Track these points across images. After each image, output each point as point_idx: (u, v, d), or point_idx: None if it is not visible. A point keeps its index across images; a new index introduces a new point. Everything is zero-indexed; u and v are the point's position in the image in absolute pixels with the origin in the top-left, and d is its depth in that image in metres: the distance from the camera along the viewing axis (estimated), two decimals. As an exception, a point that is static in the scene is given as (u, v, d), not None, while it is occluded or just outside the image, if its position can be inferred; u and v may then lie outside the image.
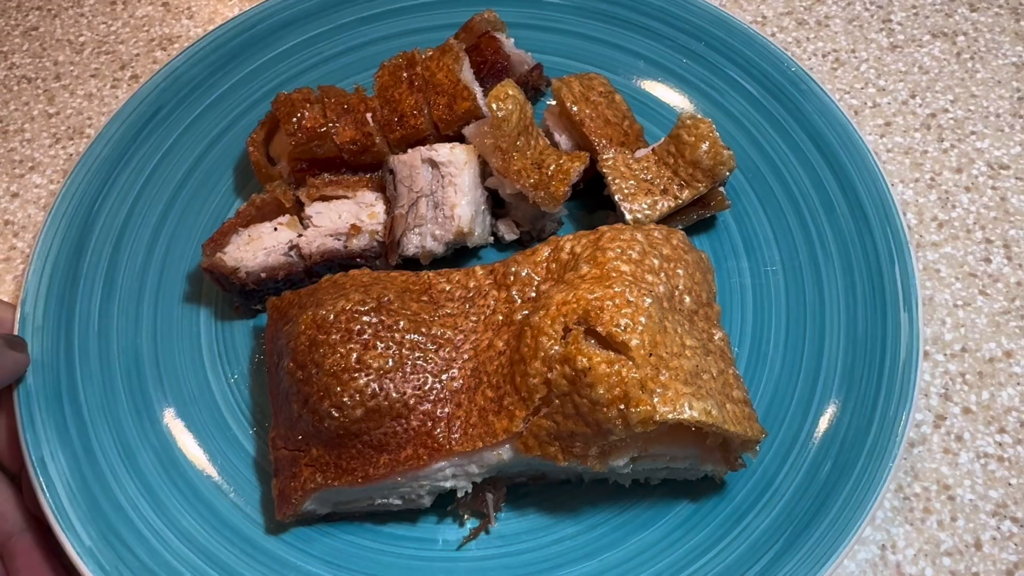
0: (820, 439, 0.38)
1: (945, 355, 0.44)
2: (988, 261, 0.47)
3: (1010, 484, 0.40)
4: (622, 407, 0.31)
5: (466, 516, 0.38)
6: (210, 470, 0.39)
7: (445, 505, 0.37)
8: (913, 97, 0.54)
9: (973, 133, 0.52)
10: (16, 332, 0.40)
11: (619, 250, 0.36)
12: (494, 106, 0.41)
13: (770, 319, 0.43)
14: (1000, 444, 0.41)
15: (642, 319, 0.32)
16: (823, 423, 0.39)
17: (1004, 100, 0.53)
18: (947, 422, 0.42)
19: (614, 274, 0.34)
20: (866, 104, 0.53)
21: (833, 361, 0.41)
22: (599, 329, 0.32)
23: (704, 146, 0.41)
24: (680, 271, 0.36)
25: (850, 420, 0.38)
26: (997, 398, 0.43)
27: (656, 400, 0.31)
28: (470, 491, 0.36)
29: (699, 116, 0.41)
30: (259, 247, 0.41)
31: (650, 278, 0.35)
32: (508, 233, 0.44)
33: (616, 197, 0.42)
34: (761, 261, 0.44)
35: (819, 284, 0.43)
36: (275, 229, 0.41)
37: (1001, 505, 0.40)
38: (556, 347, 0.33)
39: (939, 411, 0.42)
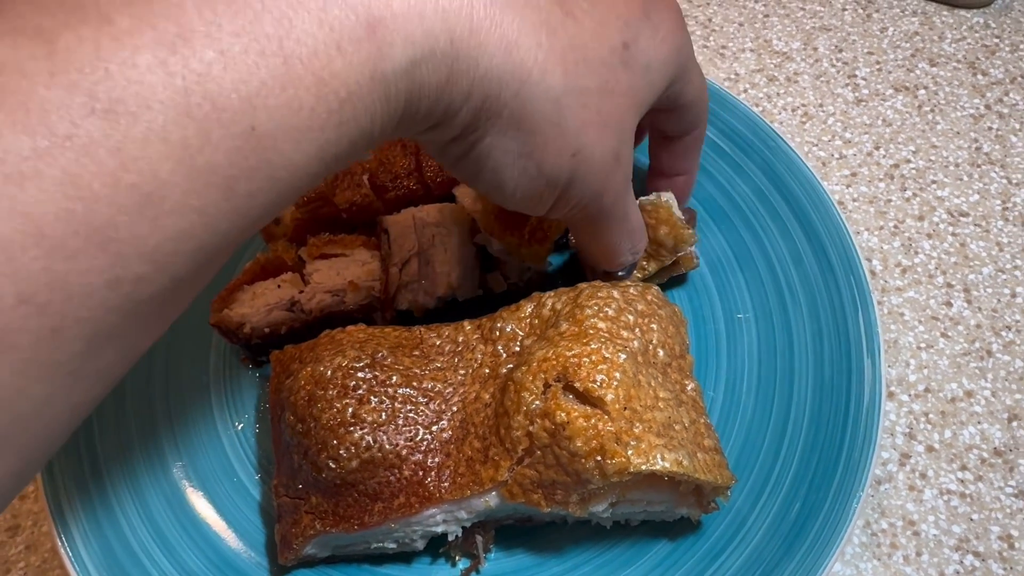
0: (790, 480, 0.41)
1: (909, 395, 0.47)
2: (949, 305, 0.50)
3: (972, 519, 0.42)
4: (599, 459, 0.34)
5: (457, 557, 0.40)
6: (217, 515, 0.41)
7: (437, 547, 0.40)
8: (877, 148, 0.57)
9: (934, 182, 0.55)
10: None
11: (596, 307, 0.38)
12: (481, 170, 0.44)
13: (743, 365, 0.45)
14: (962, 481, 0.44)
15: (617, 374, 0.35)
16: (793, 464, 0.41)
17: (963, 150, 0.57)
18: (912, 460, 0.44)
19: (591, 331, 0.37)
20: (833, 156, 0.57)
21: (802, 405, 0.43)
22: (577, 385, 0.35)
23: (663, 230, 0.43)
24: (654, 326, 0.39)
25: (818, 461, 0.41)
26: (959, 436, 0.45)
27: (630, 452, 0.34)
28: (460, 534, 0.38)
29: (660, 199, 0.43)
30: (263, 303, 0.44)
31: (625, 334, 0.38)
32: (497, 286, 0.47)
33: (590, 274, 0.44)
34: (734, 309, 0.47)
35: (788, 331, 0.46)
36: (278, 286, 0.44)
37: (964, 540, 0.42)
38: (537, 402, 0.35)
39: (904, 449, 0.45)
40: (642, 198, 0.45)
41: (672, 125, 0.42)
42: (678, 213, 0.43)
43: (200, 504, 0.41)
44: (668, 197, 0.44)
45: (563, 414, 0.34)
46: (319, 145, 0.23)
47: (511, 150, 0.29)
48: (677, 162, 0.44)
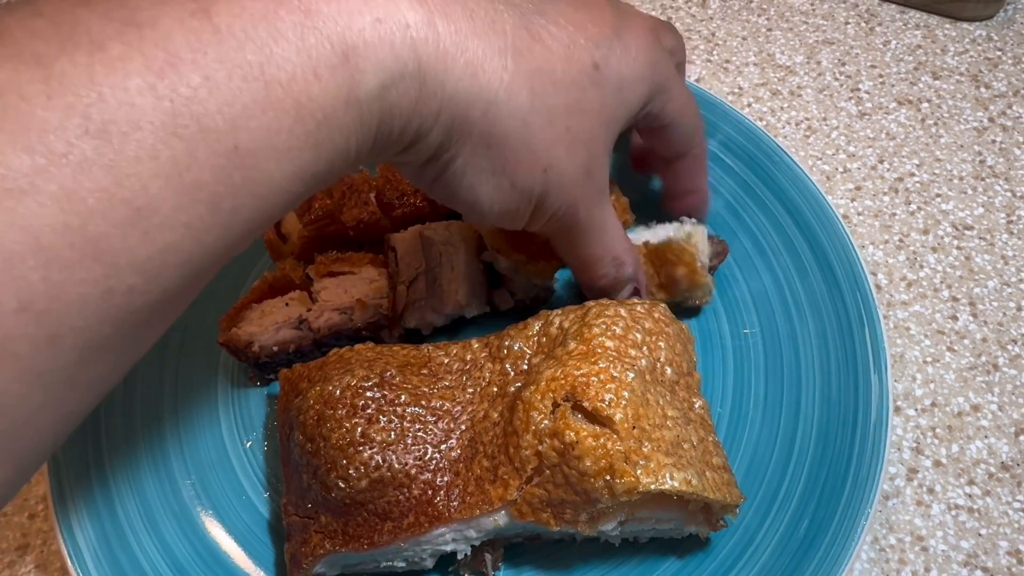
0: (798, 496, 0.41)
1: (916, 410, 0.47)
2: (955, 319, 0.50)
3: (980, 534, 0.42)
4: (608, 478, 0.34)
5: (466, 575, 0.40)
6: (226, 533, 0.41)
7: (447, 565, 0.40)
8: (881, 162, 0.57)
9: (938, 195, 0.55)
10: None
11: (604, 326, 0.39)
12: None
13: (749, 381, 0.45)
14: (970, 496, 0.44)
15: (625, 393, 0.35)
16: (800, 481, 0.41)
17: (967, 163, 0.57)
18: (919, 475, 0.44)
19: (599, 350, 0.37)
20: (837, 170, 0.57)
21: (809, 421, 0.43)
22: (585, 404, 0.35)
23: (681, 270, 0.43)
24: (661, 343, 0.39)
25: (826, 477, 0.41)
26: (966, 451, 0.45)
27: (639, 472, 0.34)
28: (469, 552, 0.38)
29: (689, 240, 0.42)
30: (271, 322, 0.44)
31: (633, 352, 0.38)
32: (503, 303, 0.47)
33: None
34: (740, 324, 0.47)
35: (794, 346, 0.46)
36: (286, 304, 0.44)
37: (972, 555, 0.42)
38: (546, 421, 0.35)
39: (911, 464, 0.45)
40: (672, 234, 0.44)
41: (665, 147, 0.42)
42: (703, 259, 0.43)
43: (209, 522, 0.41)
44: (699, 239, 0.43)
45: (572, 434, 0.34)
46: (298, 164, 0.25)
47: (484, 168, 0.31)
48: (682, 182, 0.45)
